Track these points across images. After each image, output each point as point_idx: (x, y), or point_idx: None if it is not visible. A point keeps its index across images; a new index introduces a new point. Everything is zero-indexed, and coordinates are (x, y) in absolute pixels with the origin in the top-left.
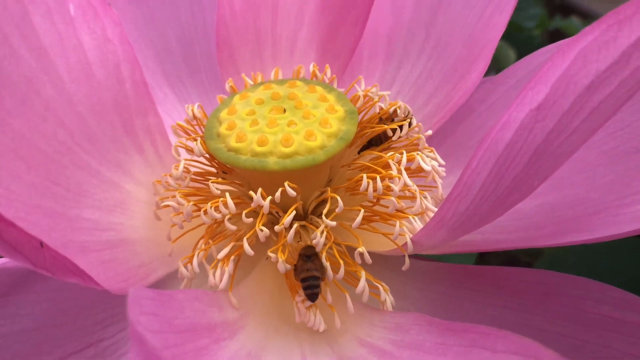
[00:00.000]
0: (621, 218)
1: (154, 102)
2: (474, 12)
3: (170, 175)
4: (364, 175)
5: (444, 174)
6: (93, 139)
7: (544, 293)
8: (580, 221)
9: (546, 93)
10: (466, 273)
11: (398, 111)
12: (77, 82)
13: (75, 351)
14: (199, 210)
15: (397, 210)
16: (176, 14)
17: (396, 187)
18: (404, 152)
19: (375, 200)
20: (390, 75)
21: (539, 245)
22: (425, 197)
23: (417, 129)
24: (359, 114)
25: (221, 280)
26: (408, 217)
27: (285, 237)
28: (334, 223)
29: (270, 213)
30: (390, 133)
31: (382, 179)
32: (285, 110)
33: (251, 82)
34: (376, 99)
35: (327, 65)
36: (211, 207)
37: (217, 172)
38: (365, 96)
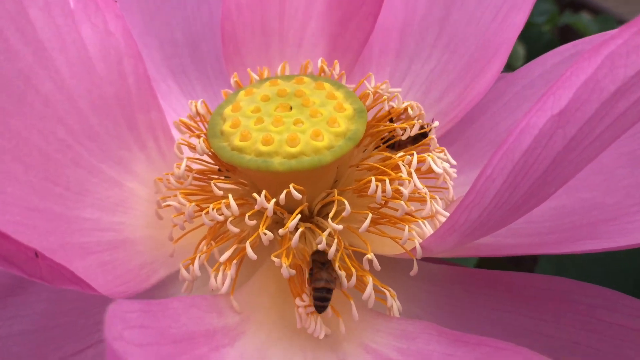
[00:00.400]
0: (638, 225)
1: (157, 97)
2: (488, 11)
3: (172, 174)
4: (373, 178)
5: (455, 175)
6: (94, 136)
7: (556, 300)
8: (595, 227)
9: (569, 98)
10: (477, 277)
11: (410, 111)
12: (78, 77)
13: (75, 352)
14: (201, 210)
15: (407, 214)
16: (182, 6)
17: (406, 191)
18: (415, 153)
19: (383, 203)
20: (402, 71)
21: (553, 252)
22: (435, 200)
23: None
24: (368, 111)
25: (223, 283)
26: (417, 221)
27: (289, 240)
28: (340, 227)
29: (274, 214)
30: (400, 132)
31: (392, 182)
32: (291, 108)
33: (257, 77)
34: (386, 96)
35: (336, 60)
36: (213, 208)
37: (221, 171)
38: (375, 93)
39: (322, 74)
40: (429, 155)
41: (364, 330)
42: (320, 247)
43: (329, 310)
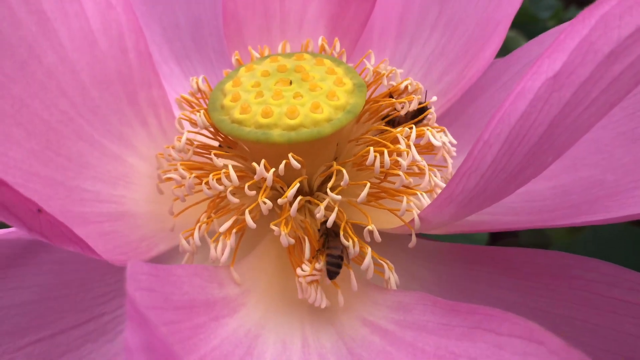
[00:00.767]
0: (637, 200)
1: (158, 74)
2: None
3: (173, 148)
4: (371, 149)
5: (455, 154)
6: (95, 110)
7: (553, 275)
8: (596, 204)
9: (564, 61)
10: (475, 254)
11: (409, 87)
12: (80, 50)
13: (75, 324)
14: (202, 183)
15: (405, 187)
16: None
17: (404, 162)
18: (413, 126)
19: (382, 177)
20: (402, 53)
21: (550, 225)
22: (434, 174)
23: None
24: (368, 90)
25: (222, 254)
26: (416, 194)
27: (288, 210)
28: (338, 197)
29: (274, 188)
30: (399, 107)
31: (390, 154)
32: (291, 82)
33: (258, 56)
34: (385, 73)
35: (336, 38)
36: (213, 178)
37: (221, 147)
38: (375, 72)
39: (323, 53)
40: (427, 129)
41: (361, 303)
42: (318, 216)
43: (327, 281)
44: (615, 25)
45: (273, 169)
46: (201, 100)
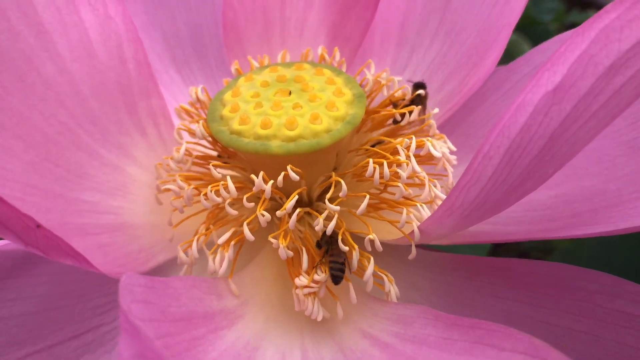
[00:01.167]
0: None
1: (157, 84)
2: None
3: (172, 158)
4: (370, 160)
5: (455, 163)
6: (95, 121)
7: (555, 286)
8: (596, 214)
9: (564, 74)
10: (476, 264)
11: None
12: (79, 61)
13: (74, 335)
14: (200, 193)
15: (405, 198)
16: None
17: (404, 173)
18: (413, 137)
19: (382, 188)
20: (403, 61)
21: (552, 237)
22: (434, 185)
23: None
24: (368, 99)
25: (221, 265)
26: (416, 205)
27: (287, 222)
28: (337, 207)
29: (274, 199)
30: (399, 118)
31: (390, 165)
32: (290, 93)
33: (257, 65)
34: (384, 83)
35: (336, 48)
36: (211, 190)
37: (221, 157)
38: (375, 82)
39: (323, 62)
40: (427, 139)
41: (361, 315)
42: (317, 228)
43: (326, 293)
44: (616, 38)
45: (271, 181)
46: (200, 111)
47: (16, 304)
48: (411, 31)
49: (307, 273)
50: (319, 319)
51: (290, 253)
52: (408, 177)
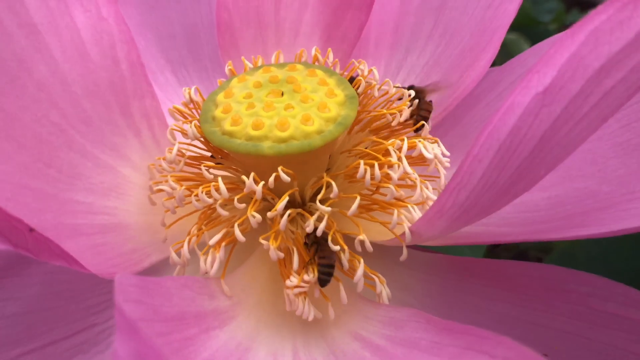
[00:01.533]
0: (633, 212)
1: (151, 84)
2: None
3: (164, 159)
4: (361, 162)
5: (448, 165)
6: (88, 121)
7: (547, 289)
8: (589, 215)
9: (553, 76)
10: (469, 266)
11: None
12: (71, 61)
13: (66, 336)
14: (192, 194)
15: (396, 199)
16: None
17: (395, 175)
18: (405, 138)
19: (374, 189)
20: (397, 63)
21: (545, 238)
22: (426, 187)
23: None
24: (361, 100)
25: (212, 266)
26: (407, 206)
27: (278, 224)
28: (328, 209)
29: (266, 200)
30: (390, 118)
31: (381, 166)
32: (283, 94)
33: (251, 66)
34: (377, 84)
35: (329, 48)
36: (202, 191)
37: (213, 157)
38: (367, 83)
39: (316, 63)
40: (419, 141)
41: (352, 317)
42: (308, 229)
43: (316, 293)
44: (606, 41)
45: (262, 182)
46: (194, 111)
47: (8, 304)
48: (406, 33)
49: (298, 273)
50: (310, 318)
51: (281, 254)
52: (400, 179)
